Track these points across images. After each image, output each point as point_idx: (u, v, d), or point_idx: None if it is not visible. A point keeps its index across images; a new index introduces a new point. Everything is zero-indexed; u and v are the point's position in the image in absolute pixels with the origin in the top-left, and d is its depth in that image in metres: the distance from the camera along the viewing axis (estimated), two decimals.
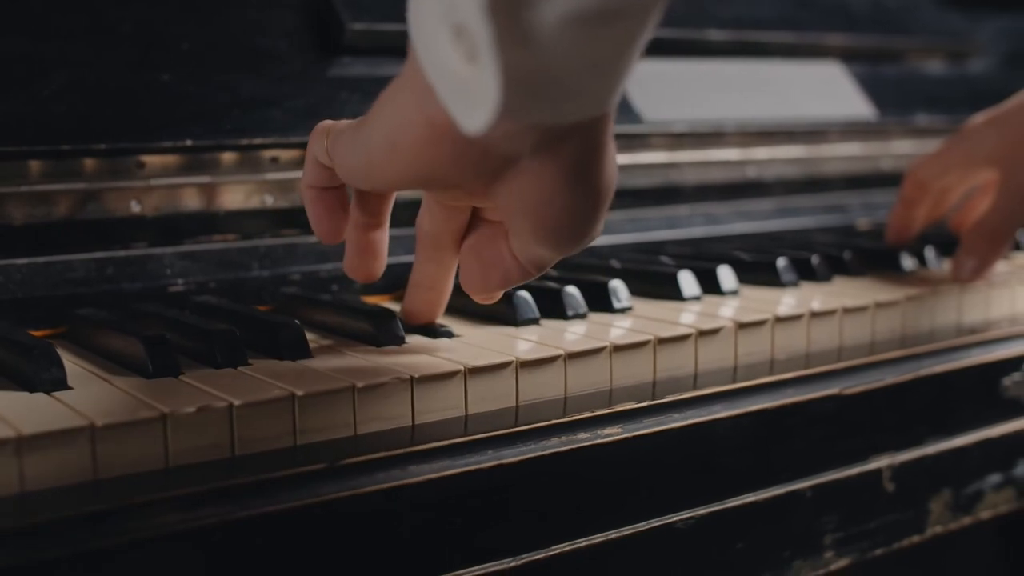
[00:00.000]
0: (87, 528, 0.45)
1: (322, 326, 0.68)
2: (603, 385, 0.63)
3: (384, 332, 0.63)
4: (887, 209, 0.97)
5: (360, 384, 0.54)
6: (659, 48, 0.86)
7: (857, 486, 0.69)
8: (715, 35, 1.03)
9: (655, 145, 0.96)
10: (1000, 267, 0.88)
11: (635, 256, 0.88)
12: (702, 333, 0.67)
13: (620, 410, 0.59)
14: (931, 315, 0.79)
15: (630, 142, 0.94)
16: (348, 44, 0.83)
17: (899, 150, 1.13)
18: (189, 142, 0.73)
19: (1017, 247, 0.99)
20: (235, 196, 0.76)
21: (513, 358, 0.59)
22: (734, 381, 0.65)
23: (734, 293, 0.78)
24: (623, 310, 0.72)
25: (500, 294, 0.62)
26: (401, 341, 0.63)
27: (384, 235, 0.62)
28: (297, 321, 0.62)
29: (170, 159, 0.74)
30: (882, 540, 0.71)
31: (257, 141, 0.75)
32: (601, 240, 0.87)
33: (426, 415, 0.57)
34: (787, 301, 0.75)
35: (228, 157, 0.76)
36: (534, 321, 0.69)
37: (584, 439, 0.57)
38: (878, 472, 0.70)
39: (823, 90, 1.09)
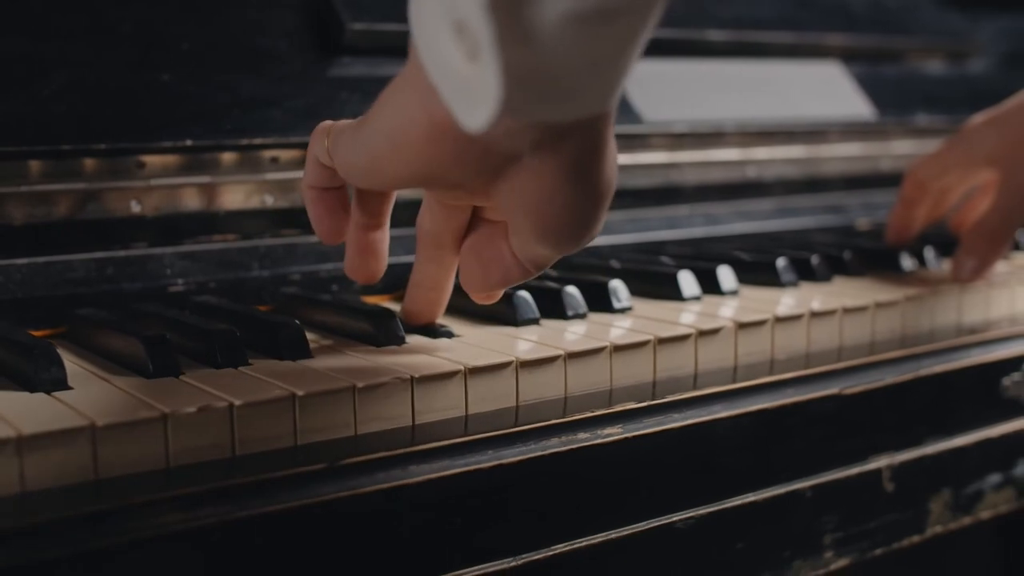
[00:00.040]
0: (87, 528, 0.45)
1: (322, 326, 0.68)
2: (603, 385, 0.63)
3: (384, 332, 0.63)
4: (887, 209, 0.97)
5: (360, 384, 0.54)
6: (659, 48, 0.87)
7: (857, 486, 0.69)
8: (715, 35, 1.03)
9: (655, 145, 0.96)
10: (1000, 267, 0.88)
11: (635, 256, 0.88)
12: (702, 333, 0.67)
13: (620, 410, 0.59)
14: (931, 315, 0.79)
15: (630, 142, 0.94)
16: (348, 44, 0.83)
17: (899, 150, 1.13)
18: (189, 142, 0.73)
19: (1017, 247, 0.99)
20: (235, 196, 0.76)
21: (513, 358, 0.59)
22: (734, 381, 0.65)
23: (734, 293, 0.78)
24: (623, 310, 0.72)
25: (500, 294, 0.62)
26: (401, 341, 0.63)
27: (385, 235, 0.62)
28: (297, 321, 0.62)
29: (170, 159, 0.74)
30: (882, 540, 0.71)
31: (257, 141, 0.75)
32: (601, 240, 0.87)
33: (426, 415, 0.57)
34: (787, 301, 0.75)
35: (228, 157, 0.76)
36: (534, 321, 0.68)
37: (584, 439, 0.57)
38: (878, 472, 0.70)
39: (823, 90, 1.09)
